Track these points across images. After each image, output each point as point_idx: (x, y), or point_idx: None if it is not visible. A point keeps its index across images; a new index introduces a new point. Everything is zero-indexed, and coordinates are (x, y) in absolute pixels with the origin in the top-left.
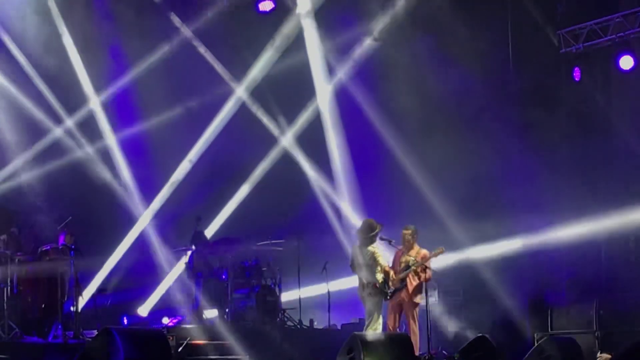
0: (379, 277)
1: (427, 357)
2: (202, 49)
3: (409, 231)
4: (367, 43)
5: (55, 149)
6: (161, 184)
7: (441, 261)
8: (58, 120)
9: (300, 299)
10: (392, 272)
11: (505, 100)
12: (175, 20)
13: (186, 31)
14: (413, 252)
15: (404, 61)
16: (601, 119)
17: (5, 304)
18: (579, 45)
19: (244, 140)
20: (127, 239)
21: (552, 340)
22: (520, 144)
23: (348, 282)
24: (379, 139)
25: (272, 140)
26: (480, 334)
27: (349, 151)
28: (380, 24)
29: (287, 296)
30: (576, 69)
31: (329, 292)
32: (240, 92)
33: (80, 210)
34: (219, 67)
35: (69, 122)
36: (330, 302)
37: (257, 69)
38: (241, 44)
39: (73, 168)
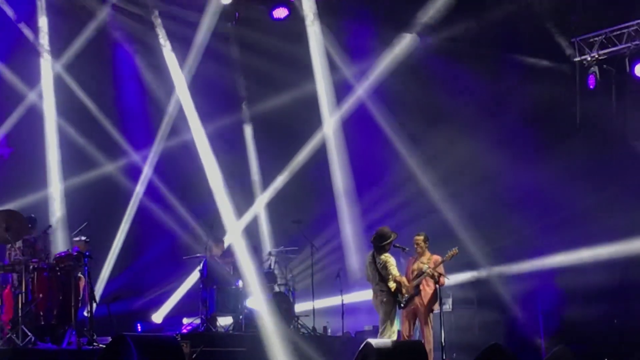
0: (392, 285)
1: None
2: None
3: (421, 237)
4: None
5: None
6: (175, 194)
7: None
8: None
9: (314, 306)
10: (404, 280)
11: (518, 109)
12: None
13: None
14: (425, 259)
15: (415, 69)
16: (616, 127)
17: (19, 311)
18: (593, 53)
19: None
20: (141, 245)
21: (567, 348)
22: (533, 153)
23: (362, 291)
24: (389, 146)
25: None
26: (494, 342)
27: (362, 159)
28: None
29: (302, 306)
30: (591, 76)
31: (342, 299)
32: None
33: (97, 217)
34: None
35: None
36: (344, 310)
37: None
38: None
39: (98, 180)
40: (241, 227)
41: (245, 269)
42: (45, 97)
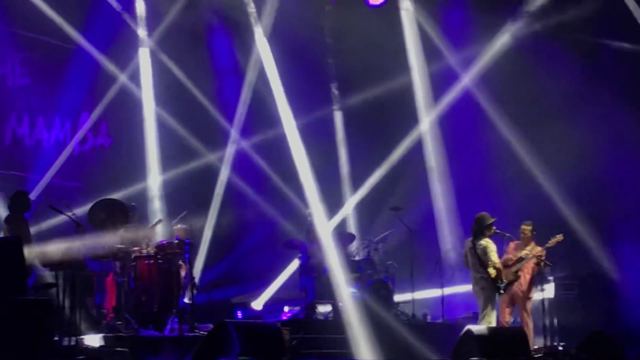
0: (492, 271)
1: (542, 352)
2: None
3: (530, 227)
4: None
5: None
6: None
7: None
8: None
9: (413, 293)
10: (502, 267)
11: (615, 95)
12: None
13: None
14: (529, 247)
15: (515, 56)
16: None
17: (123, 299)
18: None
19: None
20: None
21: (602, 332)
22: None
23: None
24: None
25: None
26: (597, 329)
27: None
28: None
29: (401, 293)
30: None
31: (442, 285)
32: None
33: (196, 206)
34: None
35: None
36: (443, 296)
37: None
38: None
39: (196, 169)
40: (339, 217)
41: (341, 257)
42: (144, 86)
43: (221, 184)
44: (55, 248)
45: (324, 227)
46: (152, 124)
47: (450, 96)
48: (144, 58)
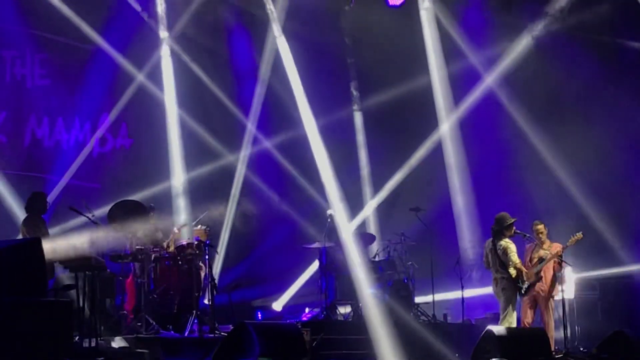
0: (512, 272)
1: (563, 352)
2: None
3: (542, 225)
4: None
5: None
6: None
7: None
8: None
9: (433, 293)
10: (523, 267)
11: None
12: None
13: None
14: (546, 246)
15: (535, 55)
16: None
17: (142, 300)
18: None
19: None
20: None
21: (623, 332)
22: None
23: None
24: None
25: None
26: (618, 329)
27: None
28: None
29: (421, 293)
30: None
31: (462, 286)
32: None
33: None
34: None
35: None
36: (464, 297)
37: None
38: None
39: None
40: (360, 218)
41: (362, 258)
42: (166, 86)
43: (239, 184)
44: (79, 242)
45: (345, 227)
46: (174, 123)
47: (470, 96)
48: (165, 58)
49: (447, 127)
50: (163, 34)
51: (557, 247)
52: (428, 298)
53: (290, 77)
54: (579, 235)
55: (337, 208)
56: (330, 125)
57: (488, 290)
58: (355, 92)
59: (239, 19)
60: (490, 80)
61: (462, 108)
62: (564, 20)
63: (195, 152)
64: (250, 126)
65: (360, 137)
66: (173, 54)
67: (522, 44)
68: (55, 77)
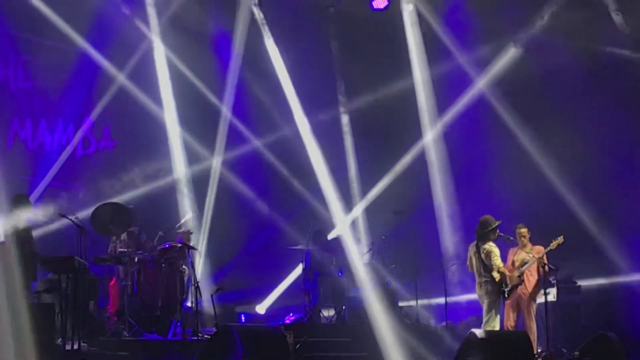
0: (496, 275)
1: (546, 355)
2: None
3: (525, 229)
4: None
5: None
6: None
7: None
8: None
9: (417, 296)
10: (507, 271)
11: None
12: None
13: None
14: (528, 249)
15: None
16: None
17: (126, 303)
18: None
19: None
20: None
21: (609, 334)
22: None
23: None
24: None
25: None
26: (601, 332)
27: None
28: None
29: (405, 296)
30: None
31: (445, 289)
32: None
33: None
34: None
35: None
36: (447, 300)
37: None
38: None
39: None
40: (348, 221)
41: (349, 261)
42: (162, 87)
43: (224, 187)
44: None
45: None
46: (174, 124)
47: (456, 101)
48: (156, 57)
49: (430, 129)
50: (157, 40)
51: (539, 250)
52: (412, 300)
53: (280, 78)
54: (560, 239)
55: (335, 206)
56: (315, 128)
57: (473, 295)
58: (342, 95)
59: (224, 21)
60: (475, 82)
61: (447, 111)
62: (548, 26)
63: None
64: (236, 129)
65: (347, 140)
66: (159, 54)
67: (505, 47)
68: (38, 79)
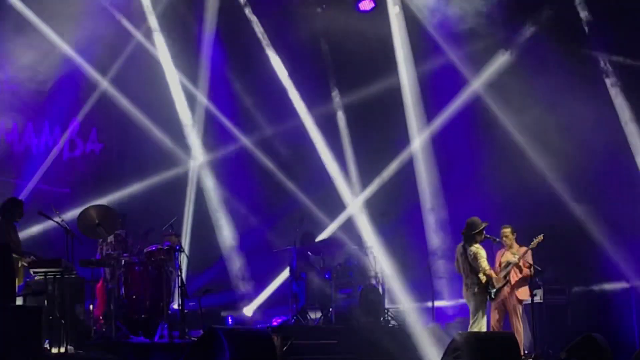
0: (482, 277)
1: (532, 357)
2: None
3: (509, 229)
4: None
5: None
6: (265, 188)
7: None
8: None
9: (403, 299)
10: (493, 274)
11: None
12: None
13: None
14: (514, 250)
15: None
16: None
17: (112, 305)
18: None
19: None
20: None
21: (594, 335)
22: None
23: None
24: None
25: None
26: (587, 333)
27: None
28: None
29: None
30: None
31: (433, 290)
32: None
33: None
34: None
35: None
36: (434, 302)
37: None
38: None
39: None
40: (339, 222)
41: (338, 263)
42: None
43: (210, 190)
44: None
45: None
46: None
47: (446, 105)
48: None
49: (417, 130)
50: (159, 38)
51: (524, 249)
52: (399, 301)
53: (278, 73)
54: (540, 237)
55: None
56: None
57: (459, 299)
58: (335, 93)
59: (213, 20)
60: (464, 82)
61: (435, 113)
62: (538, 29)
63: (161, 157)
64: (225, 127)
65: (342, 138)
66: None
67: (495, 47)
68: (24, 81)
